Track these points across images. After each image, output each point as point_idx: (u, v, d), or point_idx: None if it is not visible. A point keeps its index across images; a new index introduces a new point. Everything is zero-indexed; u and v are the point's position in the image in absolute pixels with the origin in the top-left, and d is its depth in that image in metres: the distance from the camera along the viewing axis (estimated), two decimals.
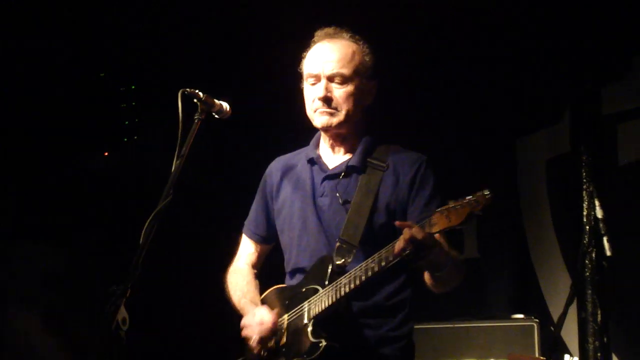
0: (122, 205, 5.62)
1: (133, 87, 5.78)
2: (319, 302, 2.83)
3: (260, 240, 3.30)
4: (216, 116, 2.89)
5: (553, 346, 4.57)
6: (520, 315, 5.05)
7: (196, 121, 2.78)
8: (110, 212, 5.69)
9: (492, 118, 5.90)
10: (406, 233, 2.57)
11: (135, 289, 2.53)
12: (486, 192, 2.46)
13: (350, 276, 2.75)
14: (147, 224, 2.58)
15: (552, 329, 5.27)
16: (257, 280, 3.26)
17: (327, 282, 2.84)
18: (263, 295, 3.18)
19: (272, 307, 3.04)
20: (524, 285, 5.93)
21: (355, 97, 3.00)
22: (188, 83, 2.81)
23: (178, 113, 2.70)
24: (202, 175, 5.27)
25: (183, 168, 2.69)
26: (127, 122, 5.83)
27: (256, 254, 3.32)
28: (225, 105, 2.92)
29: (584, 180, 4.76)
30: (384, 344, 2.92)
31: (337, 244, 2.91)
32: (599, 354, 4.34)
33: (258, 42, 5.24)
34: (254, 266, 3.32)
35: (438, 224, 2.54)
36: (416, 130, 5.60)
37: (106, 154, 5.85)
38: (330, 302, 2.79)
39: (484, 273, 6.04)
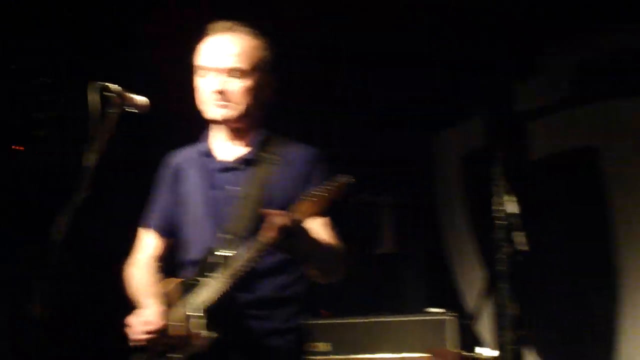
0: (35, 200, 5.48)
1: (43, 79, 5.64)
2: (205, 294, 2.82)
3: (162, 232, 3.23)
4: (132, 110, 2.84)
5: (469, 339, 4.63)
6: (437, 309, 5.11)
7: (109, 115, 2.73)
8: (21, 206, 5.55)
9: (408, 113, 5.94)
10: (268, 221, 2.58)
11: (52, 285, 2.49)
12: (344, 178, 2.52)
13: (231, 268, 2.75)
14: (60, 219, 2.54)
15: (468, 322, 5.35)
16: (160, 274, 3.19)
17: (211, 275, 2.83)
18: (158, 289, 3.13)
19: (167, 301, 3.00)
20: (441, 279, 6.01)
21: (254, 92, 2.97)
22: (105, 77, 2.75)
23: (90, 107, 2.66)
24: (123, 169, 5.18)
25: (98, 162, 2.64)
26: (36, 116, 5.68)
27: (158, 246, 3.24)
28: (141, 99, 2.86)
29: (497, 176, 4.83)
30: (273, 336, 2.91)
31: (223, 235, 2.90)
32: (514, 347, 4.41)
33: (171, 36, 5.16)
34: (157, 259, 3.25)
35: (301, 210, 2.58)
36: (330, 126, 5.60)
37: (15, 147, 5.71)
38: (214, 295, 2.78)
39: (400, 267, 6.09)
